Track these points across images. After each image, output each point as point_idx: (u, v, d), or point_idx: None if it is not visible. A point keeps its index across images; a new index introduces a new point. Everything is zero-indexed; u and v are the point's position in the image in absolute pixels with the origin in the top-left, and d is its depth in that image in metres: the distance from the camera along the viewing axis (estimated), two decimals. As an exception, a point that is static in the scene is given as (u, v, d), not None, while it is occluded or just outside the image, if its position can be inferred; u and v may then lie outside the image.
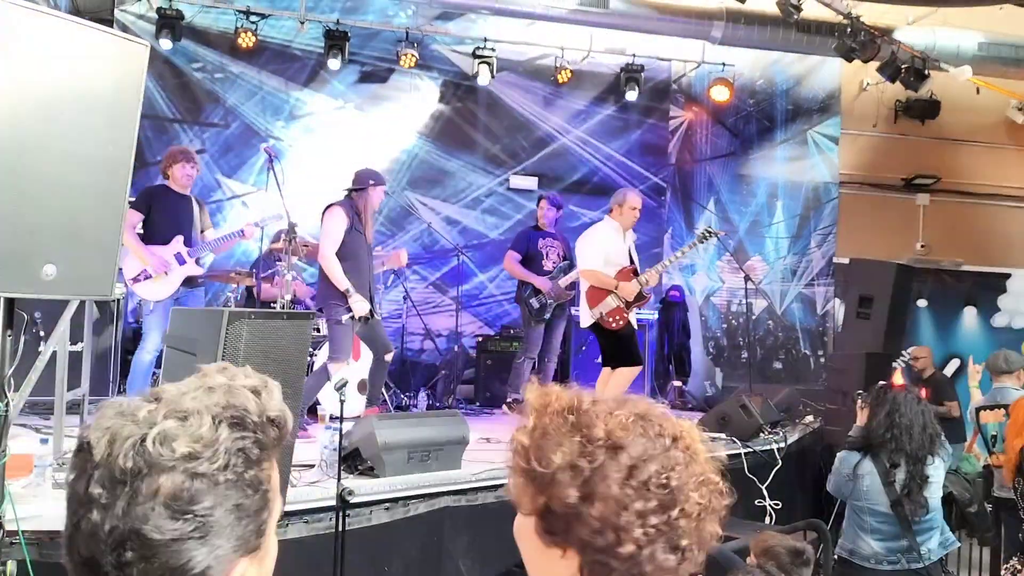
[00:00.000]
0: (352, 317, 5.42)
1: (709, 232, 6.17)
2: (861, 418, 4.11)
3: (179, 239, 5.50)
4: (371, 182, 5.63)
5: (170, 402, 0.93)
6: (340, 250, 5.47)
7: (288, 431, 1.00)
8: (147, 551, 0.89)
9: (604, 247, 5.89)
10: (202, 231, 5.75)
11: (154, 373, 5.59)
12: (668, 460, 1.09)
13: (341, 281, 5.39)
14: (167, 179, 5.63)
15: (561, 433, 1.11)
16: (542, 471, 1.09)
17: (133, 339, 6.14)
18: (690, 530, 1.09)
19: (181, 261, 5.48)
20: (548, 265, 7.08)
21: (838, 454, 3.98)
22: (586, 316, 5.94)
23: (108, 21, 7.56)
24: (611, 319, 5.80)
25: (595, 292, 5.85)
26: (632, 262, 5.99)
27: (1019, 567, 3.94)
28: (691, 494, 1.09)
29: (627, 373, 5.89)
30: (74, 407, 4.51)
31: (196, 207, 5.73)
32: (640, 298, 5.87)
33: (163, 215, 5.52)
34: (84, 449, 0.92)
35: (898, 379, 4.07)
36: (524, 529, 1.15)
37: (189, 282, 5.57)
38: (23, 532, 2.90)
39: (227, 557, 0.92)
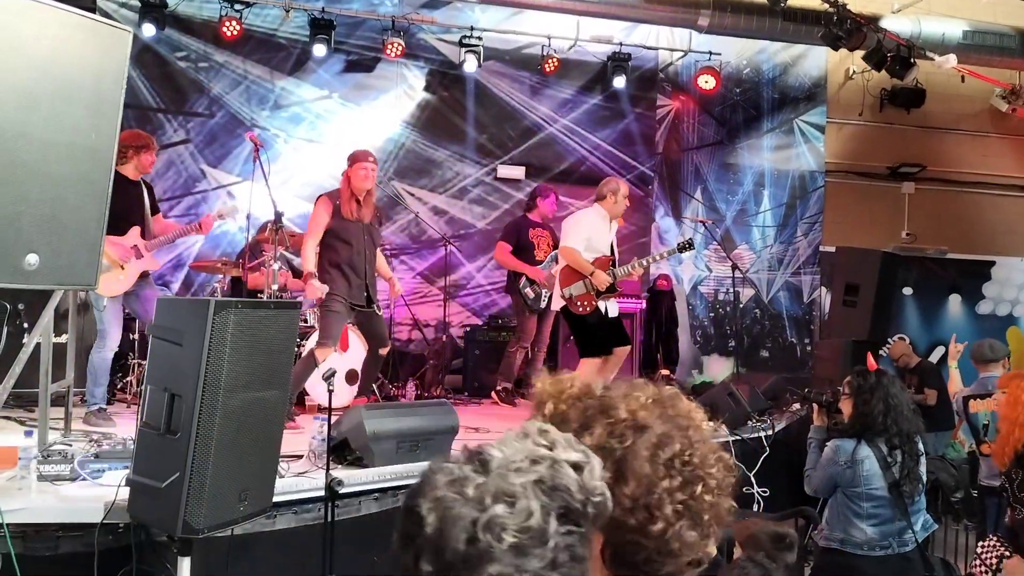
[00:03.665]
0: (347, 306, 5.41)
1: (687, 244, 6.23)
2: (818, 419, 4.20)
3: (135, 231, 5.24)
4: (349, 163, 5.56)
5: (498, 476, 0.90)
6: (332, 237, 5.45)
7: (608, 512, 0.97)
8: None
9: (589, 231, 5.90)
10: (153, 214, 5.49)
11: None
12: (687, 438, 1.13)
13: (306, 265, 5.42)
14: (124, 165, 5.10)
15: (585, 417, 1.12)
16: None
17: None
18: (711, 506, 1.12)
19: (139, 255, 5.23)
20: (539, 255, 7.06)
21: (828, 443, 3.94)
22: (556, 298, 5.95)
23: (91, 8, 7.46)
24: (579, 303, 5.81)
25: (568, 273, 5.85)
26: (612, 253, 5.99)
27: (1000, 548, 3.94)
28: (710, 470, 1.13)
29: (589, 365, 5.84)
30: (59, 399, 4.46)
31: (145, 190, 5.45)
32: (611, 289, 5.86)
33: (119, 205, 5.20)
34: (413, 515, 0.91)
35: (871, 361, 4.07)
36: None
37: (142, 276, 5.31)
38: (7, 525, 2.88)
39: None
